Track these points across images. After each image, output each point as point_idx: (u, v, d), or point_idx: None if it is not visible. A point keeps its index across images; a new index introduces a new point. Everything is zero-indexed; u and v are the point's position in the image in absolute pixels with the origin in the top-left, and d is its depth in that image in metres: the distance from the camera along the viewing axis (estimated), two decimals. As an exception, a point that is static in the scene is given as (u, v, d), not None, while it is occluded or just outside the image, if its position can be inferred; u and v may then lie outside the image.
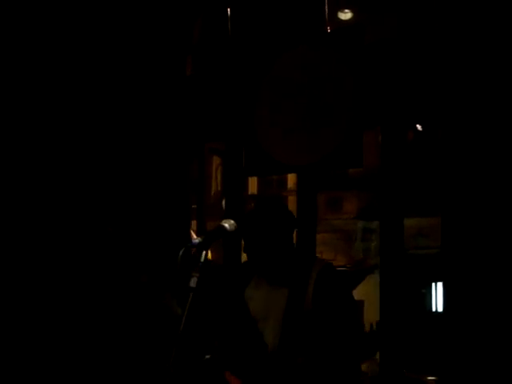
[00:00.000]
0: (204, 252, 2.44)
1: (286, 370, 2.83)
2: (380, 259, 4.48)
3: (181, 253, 2.44)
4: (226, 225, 2.56)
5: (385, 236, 4.38)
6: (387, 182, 4.36)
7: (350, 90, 4.30)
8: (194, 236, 5.33)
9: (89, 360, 3.65)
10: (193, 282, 2.39)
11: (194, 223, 5.54)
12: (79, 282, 4.30)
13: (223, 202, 5.01)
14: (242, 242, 3.08)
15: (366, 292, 11.91)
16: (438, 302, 12.89)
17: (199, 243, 2.46)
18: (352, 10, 5.73)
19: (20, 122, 4.61)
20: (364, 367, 4.99)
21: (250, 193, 14.11)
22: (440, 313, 12.36)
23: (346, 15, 5.69)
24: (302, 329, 2.85)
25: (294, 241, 3.18)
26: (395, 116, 4.33)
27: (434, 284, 12.99)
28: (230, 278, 4.48)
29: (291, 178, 15.10)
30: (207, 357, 2.79)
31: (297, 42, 4.60)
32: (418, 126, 6.82)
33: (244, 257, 3.26)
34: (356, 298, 3.13)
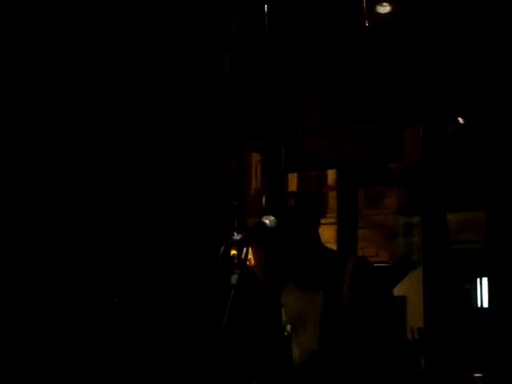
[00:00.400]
0: (245, 249, 2.43)
1: (325, 373, 2.81)
2: (423, 255, 4.43)
3: (222, 249, 2.43)
4: (267, 221, 2.53)
5: (427, 231, 4.33)
6: (429, 176, 4.32)
7: (390, 84, 4.26)
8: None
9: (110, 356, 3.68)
10: (234, 279, 2.38)
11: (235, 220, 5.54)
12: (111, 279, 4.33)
13: (263, 199, 5.00)
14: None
15: (409, 288, 11.79)
16: (483, 297, 12.69)
17: (240, 240, 2.45)
18: (390, 3, 5.66)
19: (38, 119, 4.64)
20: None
21: (290, 189, 14.08)
22: (485, 308, 12.18)
23: (384, 8, 5.61)
24: (340, 330, 2.82)
25: (333, 239, 3.16)
26: (436, 109, 4.29)
27: (478, 279, 12.80)
28: (267, 282, 4.48)
29: (331, 175, 15.01)
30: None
31: (335, 36, 4.57)
32: (460, 119, 6.70)
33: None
34: (399, 293, 3.10)
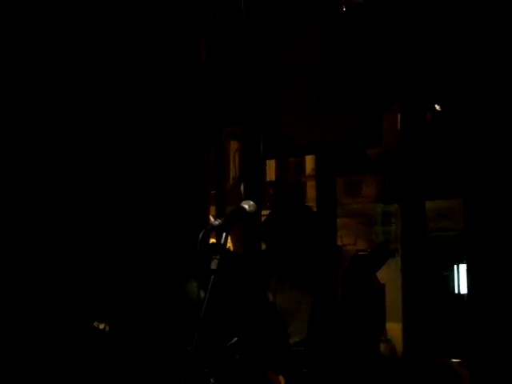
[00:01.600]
0: (224, 234, 2.41)
1: (314, 363, 2.81)
2: (401, 242, 4.43)
3: (201, 235, 2.41)
4: (246, 206, 2.51)
5: (406, 219, 4.33)
6: (407, 162, 4.31)
7: (368, 69, 4.24)
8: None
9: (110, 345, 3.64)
10: (214, 264, 2.37)
11: (213, 209, 5.52)
12: (95, 268, 4.29)
13: (242, 187, 4.98)
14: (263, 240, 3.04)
15: (388, 276, 11.87)
16: (460, 283, 12.81)
17: (219, 225, 2.43)
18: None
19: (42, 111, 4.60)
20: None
21: (268, 179, 14.08)
22: (463, 294, 12.30)
23: (361, -7, 5.60)
24: (330, 323, 2.82)
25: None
26: (414, 95, 4.27)
27: (455, 266, 12.92)
28: (252, 266, 4.46)
29: (309, 164, 15.06)
30: (233, 341, 2.76)
31: (312, 22, 4.54)
32: (437, 106, 6.72)
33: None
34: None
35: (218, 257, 2.37)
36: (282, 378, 2.86)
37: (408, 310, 4.30)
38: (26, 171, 4.49)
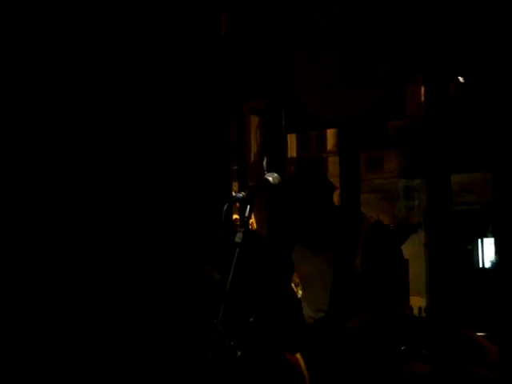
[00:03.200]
0: (248, 206, 2.38)
1: (335, 335, 2.79)
2: (426, 216, 4.39)
3: (225, 207, 2.38)
4: (270, 178, 2.47)
5: (431, 193, 4.27)
6: (432, 136, 4.25)
7: (391, 40, 4.18)
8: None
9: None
10: (238, 237, 2.34)
11: (235, 184, 5.50)
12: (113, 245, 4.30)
13: (264, 162, 4.95)
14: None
15: (411, 251, 11.83)
16: (484, 258, 12.73)
17: (243, 197, 2.40)
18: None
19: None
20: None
21: (289, 156, 14.05)
22: (487, 269, 12.21)
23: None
24: (351, 293, 2.79)
25: (337, 203, 3.11)
26: (438, 66, 4.20)
27: (479, 240, 12.84)
28: (274, 241, 4.44)
29: (330, 140, 14.97)
30: (251, 319, 2.75)
31: (334, -8, 4.48)
32: (461, 78, 6.63)
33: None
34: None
35: (242, 230, 2.34)
36: (299, 356, 2.85)
37: (433, 284, 4.28)
38: (34, 170, 4.49)
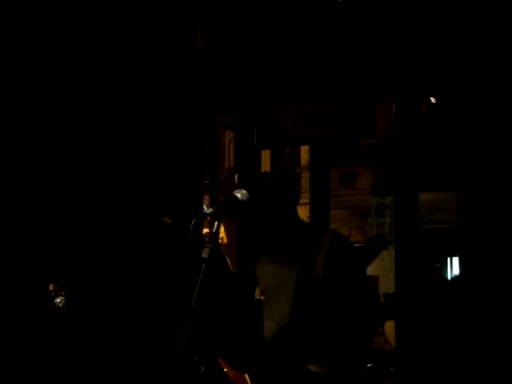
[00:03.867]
0: (216, 222, 2.40)
1: (298, 341, 2.80)
2: (395, 234, 4.43)
3: (193, 223, 2.40)
4: (238, 194, 2.50)
5: (400, 211, 4.32)
6: (402, 153, 4.30)
7: (363, 60, 4.23)
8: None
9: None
10: (205, 253, 2.35)
11: (206, 198, 5.51)
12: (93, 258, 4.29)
13: (236, 177, 4.96)
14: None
15: (381, 267, 11.87)
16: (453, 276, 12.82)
17: (211, 213, 2.42)
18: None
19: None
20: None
21: (263, 170, 14.05)
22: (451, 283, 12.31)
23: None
24: (313, 301, 2.82)
25: (305, 219, 3.14)
26: (409, 86, 4.26)
27: (449, 259, 12.93)
28: (244, 255, 4.45)
29: (304, 155, 15.02)
30: (202, 369, 2.74)
31: (307, 11, 4.52)
32: (432, 99, 6.71)
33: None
34: (371, 273, 3.10)
35: (209, 245, 2.36)
36: (246, 376, 2.86)
37: (400, 301, 4.31)
38: (28, 170, 4.48)
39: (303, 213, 6.14)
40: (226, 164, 12.77)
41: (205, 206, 5.26)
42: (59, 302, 3.46)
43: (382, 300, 9.46)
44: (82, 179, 4.70)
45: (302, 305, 2.82)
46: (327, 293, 2.81)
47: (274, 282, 2.96)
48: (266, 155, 14.79)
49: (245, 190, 2.55)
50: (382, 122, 4.72)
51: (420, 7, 4.24)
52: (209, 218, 2.43)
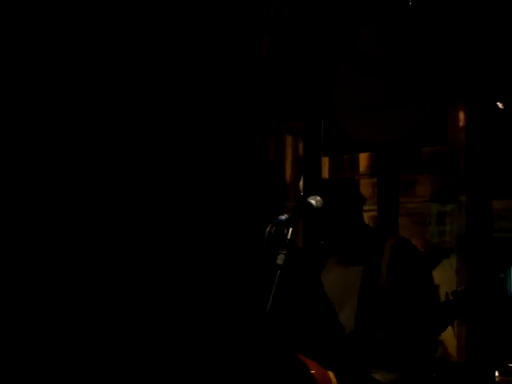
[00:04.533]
0: (291, 229, 2.38)
1: (364, 348, 2.77)
2: (460, 242, 4.34)
3: (267, 230, 2.39)
4: (313, 201, 2.49)
5: (471, 219, 4.22)
6: (473, 161, 4.21)
7: (434, 65, 4.16)
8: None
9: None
10: (280, 259, 2.34)
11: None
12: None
13: (301, 183, 4.93)
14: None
15: (442, 276, 11.68)
16: (518, 286, 12.53)
17: (286, 220, 2.40)
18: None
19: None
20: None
21: (322, 177, 14.02)
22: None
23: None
24: (378, 306, 2.78)
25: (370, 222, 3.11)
26: (481, 92, 4.17)
27: (513, 268, 12.65)
28: (308, 259, 4.41)
29: (363, 162, 14.91)
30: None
31: (377, 16, 4.47)
32: (499, 104, 6.57)
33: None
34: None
35: (284, 252, 2.34)
36: (332, 375, 2.82)
37: (471, 312, 4.21)
38: (34, 171, 4.51)
39: (365, 220, 6.07)
40: (290, 170, 12.78)
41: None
42: None
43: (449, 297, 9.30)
44: (152, 186, 4.73)
45: (367, 310, 2.80)
46: (392, 297, 2.78)
47: (338, 287, 2.95)
48: (324, 162, 14.70)
49: (319, 196, 2.53)
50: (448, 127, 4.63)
51: (489, 12, 4.15)
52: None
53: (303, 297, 2.99)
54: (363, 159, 15.11)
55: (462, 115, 7.45)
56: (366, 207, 4.25)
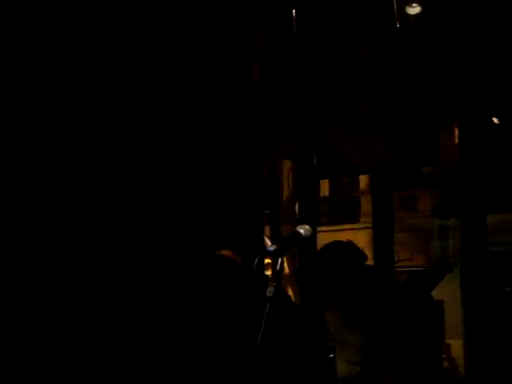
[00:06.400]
0: (280, 260, 2.37)
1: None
2: (461, 257, 4.34)
3: (256, 261, 2.37)
4: (301, 230, 2.47)
5: (466, 233, 4.22)
6: (467, 177, 4.21)
7: (423, 85, 4.17)
8: (268, 242, 5.27)
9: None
10: (269, 291, 2.32)
11: (267, 228, 5.49)
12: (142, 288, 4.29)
13: (296, 206, 4.94)
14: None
15: (446, 291, 11.62)
16: (523, 300, 12.45)
17: (274, 250, 2.39)
18: (420, 4, 5.58)
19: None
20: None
21: (322, 195, 13.99)
22: (526, 312, 11.94)
23: (414, 9, 5.53)
24: (385, 349, 2.77)
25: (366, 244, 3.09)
26: (472, 110, 4.18)
27: (518, 282, 12.57)
28: (306, 293, 4.41)
29: (363, 179, 14.90)
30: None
31: (365, 39, 4.49)
32: (495, 119, 6.58)
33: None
34: (436, 298, 3.03)
35: (274, 284, 2.32)
36: None
37: (470, 327, 4.19)
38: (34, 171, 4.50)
39: (364, 237, 6.07)
40: (286, 193, 12.78)
41: (266, 238, 5.23)
42: None
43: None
44: (136, 209, 4.72)
45: (373, 347, 2.78)
46: (401, 336, 2.76)
47: (346, 335, 2.93)
48: (324, 180, 14.70)
49: (307, 224, 2.52)
50: (443, 144, 4.63)
51: (477, 29, 4.17)
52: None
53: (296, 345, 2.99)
54: (363, 177, 15.11)
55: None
56: (364, 224, 4.24)
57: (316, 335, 3.02)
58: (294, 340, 2.90)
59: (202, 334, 3.02)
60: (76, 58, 4.61)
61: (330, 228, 12.55)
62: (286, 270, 5.51)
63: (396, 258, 7.38)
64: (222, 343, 2.93)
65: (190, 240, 4.44)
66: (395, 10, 4.51)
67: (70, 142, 4.56)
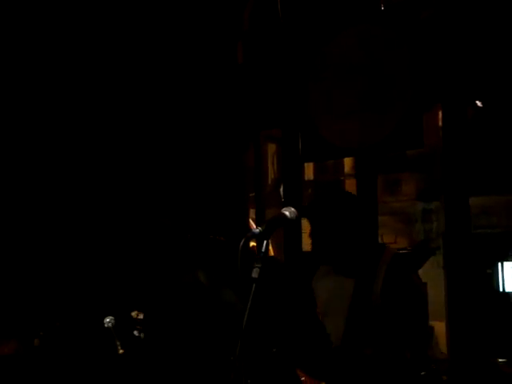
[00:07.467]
0: (265, 242, 2.37)
1: (351, 362, 2.76)
2: (444, 240, 4.38)
3: (241, 243, 2.38)
4: (287, 212, 2.47)
5: (450, 216, 4.25)
6: (450, 160, 4.23)
7: (407, 69, 4.18)
8: (253, 225, 5.28)
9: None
10: (255, 273, 2.33)
11: (252, 211, 5.50)
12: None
13: (281, 190, 4.95)
14: (307, 229, 3.01)
15: (429, 273, 11.71)
16: (504, 281, 12.55)
17: (260, 233, 2.39)
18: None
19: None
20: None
21: (306, 179, 14.02)
22: (508, 292, 12.04)
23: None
24: (367, 322, 2.77)
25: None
26: (455, 93, 4.19)
27: (500, 264, 12.67)
28: (293, 269, 4.42)
29: (348, 163, 14.89)
30: (274, 350, 2.72)
31: (350, 22, 4.49)
32: (478, 102, 6.60)
33: (304, 246, 3.17)
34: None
35: (259, 265, 2.33)
36: None
37: (452, 309, 4.24)
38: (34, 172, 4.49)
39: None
40: (271, 177, 12.82)
41: (251, 220, 5.24)
42: (108, 322, 3.36)
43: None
44: (122, 193, 4.72)
45: (355, 325, 2.78)
46: (383, 315, 2.76)
47: (330, 297, 2.93)
48: (309, 164, 14.68)
49: (292, 206, 2.52)
50: (428, 128, 4.65)
51: (461, 12, 4.18)
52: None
53: (289, 307, 3.00)
54: (348, 160, 15.13)
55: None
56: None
57: (307, 299, 3.01)
58: (287, 310, 2.93)
59: (196, 322, 3.03)
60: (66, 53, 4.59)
61: (315, 211, 12.53)
62: (271, 251, 5.52)
63: (380, 241, 7.42)
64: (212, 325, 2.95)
65: (176, 223, 4.44)
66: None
67: (64, 129, 4.54)
